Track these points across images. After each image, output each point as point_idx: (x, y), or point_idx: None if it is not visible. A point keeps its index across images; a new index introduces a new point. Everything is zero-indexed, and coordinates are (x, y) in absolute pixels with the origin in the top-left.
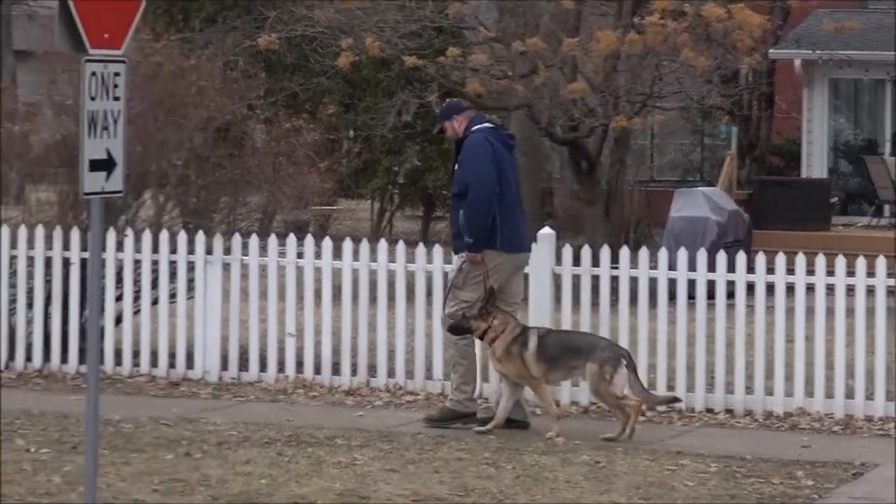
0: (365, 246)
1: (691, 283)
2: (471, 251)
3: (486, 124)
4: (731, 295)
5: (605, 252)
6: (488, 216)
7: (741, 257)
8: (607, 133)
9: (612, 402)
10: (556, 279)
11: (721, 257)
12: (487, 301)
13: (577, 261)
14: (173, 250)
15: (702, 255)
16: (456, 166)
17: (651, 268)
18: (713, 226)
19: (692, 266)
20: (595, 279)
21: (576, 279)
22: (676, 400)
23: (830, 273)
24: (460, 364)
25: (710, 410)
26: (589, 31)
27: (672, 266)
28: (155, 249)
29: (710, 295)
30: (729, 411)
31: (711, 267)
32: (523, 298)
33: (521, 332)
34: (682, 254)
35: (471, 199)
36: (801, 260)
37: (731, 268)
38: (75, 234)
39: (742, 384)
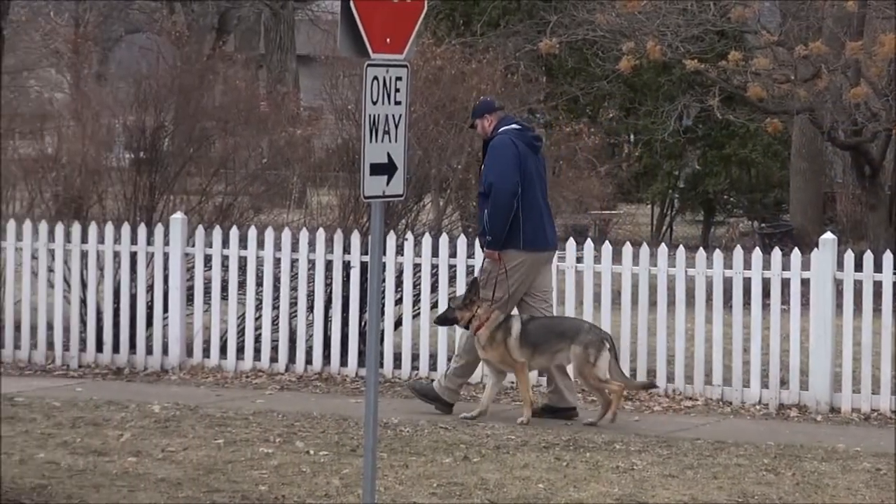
0: (645, 250)
1: None
2: (489, 249)
3: (514, 125)
4: None
5: (887, 257)
6: (508, 217)
7: None
8: (891, 137)
9: (595, 385)
10: (838, 284)
11: None
12: (470, 292)
13: (859, 266)
14: (453, 254)
15: None
16: (483, 165)
17: None
18: None
19: None
20: (877, 285)
21: (857, 285)
22: (653, 385)
23: None
24: (461, 357)
25: None
26: (873, 34)
27: None
28: (434, 253)
29: None
30: None
31: None
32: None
33: (504, 320)
34: None
35: (492, 201)
36: None
37: None
38: (356, 238)
39: None
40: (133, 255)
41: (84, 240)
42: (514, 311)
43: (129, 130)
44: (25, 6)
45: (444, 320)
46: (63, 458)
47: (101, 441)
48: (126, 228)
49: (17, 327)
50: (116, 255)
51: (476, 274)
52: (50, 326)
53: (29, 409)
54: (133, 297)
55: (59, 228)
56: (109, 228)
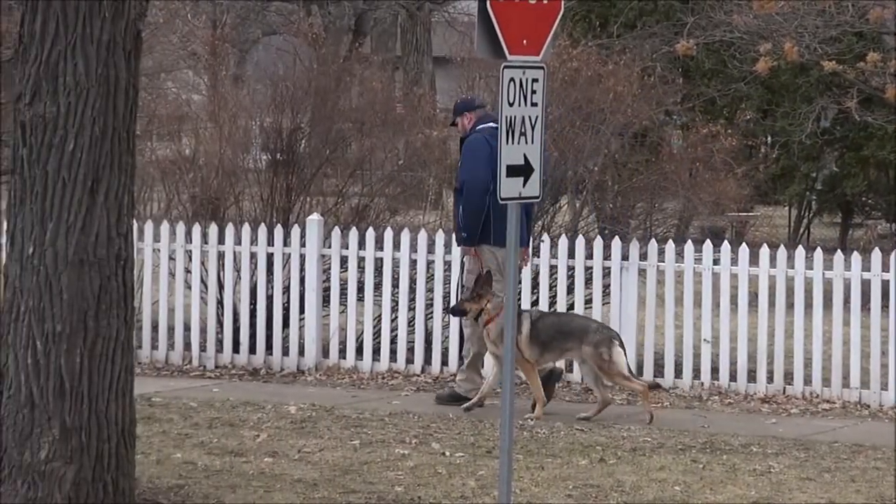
0: (782, 252)
1: None
2: (463, 245)
3: (490, 124)
4: None
5: None
6: (480, 214)
7: None
8: None
9: (620, 383)
10: None
11: None
12: (478, 285)
13: None
14: (589, 255)
15: None
16: (459, 163)
17: None
18: None
19: None
20: None
21: None
22: (658, 386)
23: None
24: (470, 350)
25: None
26: None
27: None
28: (571, 255)
29: None
30: None
31: None
32: None
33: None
34: None
35: (464, 198)
36: None
37: None
38: None
39: None
40: (270, 257)
41: (221, 241)
42: (525, 307)
43: (265, 132)
44: (163, 8)
45: (455, 311)
46: (200, 459)
47: (237, 441)
48: (263, 230)
49: (155, 328)
50: (253, 256)
51: (465, 273)
52: (187, 327)
53: (166, 409)
54: (269, 299)
55: (197, 230)
56: (246, 230)
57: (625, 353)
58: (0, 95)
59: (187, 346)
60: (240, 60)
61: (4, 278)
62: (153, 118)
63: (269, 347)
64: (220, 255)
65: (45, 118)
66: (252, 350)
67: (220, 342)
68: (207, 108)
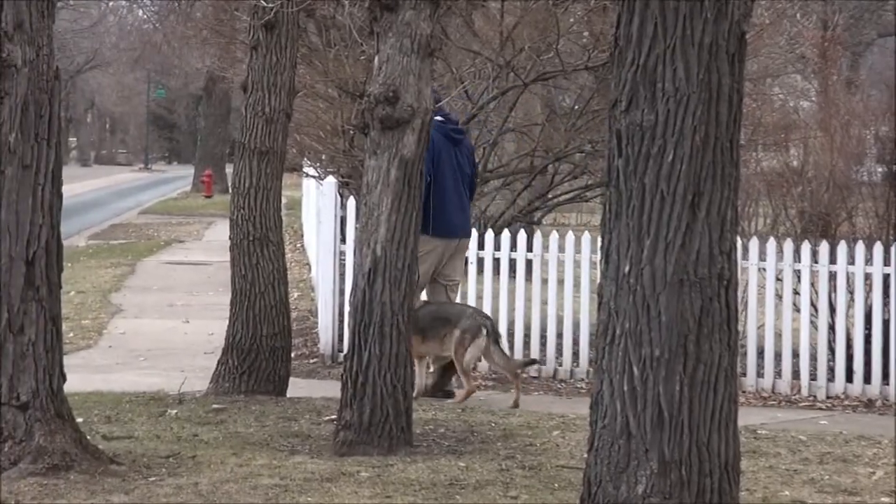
0: None
1: None
2: None
3: (437, 117)
4: None
5: None
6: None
7: None
8: None
9: (461, 369)
10: None
11: None
12: None
13: None
14: None
15: None
16: None
17: None
18: None
19: None
20: None
21: None
22: (534, 362)
23: None
24: None
25: None
26: None
27: None
28: None
29: None
30: None
31: None
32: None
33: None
34: None
35: None
36: None
37: None
38: None
39: None
40: (886, 278)
41: (832, 260)
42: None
43: (881, 142)
44: (769, 8)
45: None
46: (810, 496)
47: (851, 479)
48: (878, 248)
49: (760, 354)
50: (867, 276)
51: None
52: (795, 354)
53: (773, 442)
54: (886, 323)
55: (806, 248)
56: (860, 248)
57: (496, 341)
58: (587, 104)
59: (795, 374)
60: (852, 63)
61: (598, 298)
62: (758, 126)
63: (885, 377)
64: (832, 276)
65: (643, 126)
66: (867, 379)
67: (831, 370)
68: (817, 116)
